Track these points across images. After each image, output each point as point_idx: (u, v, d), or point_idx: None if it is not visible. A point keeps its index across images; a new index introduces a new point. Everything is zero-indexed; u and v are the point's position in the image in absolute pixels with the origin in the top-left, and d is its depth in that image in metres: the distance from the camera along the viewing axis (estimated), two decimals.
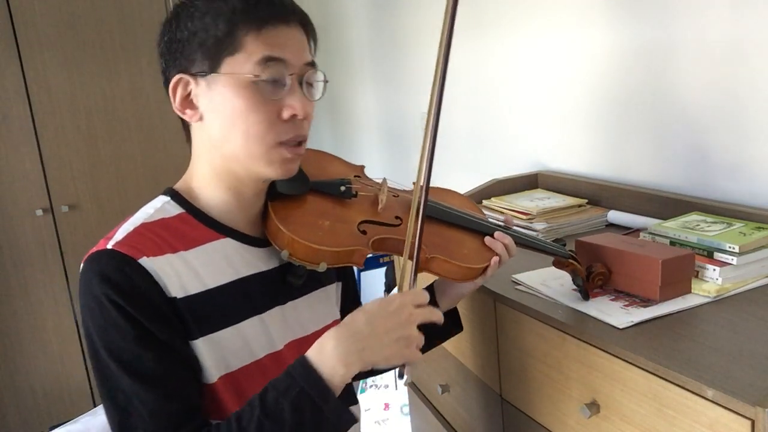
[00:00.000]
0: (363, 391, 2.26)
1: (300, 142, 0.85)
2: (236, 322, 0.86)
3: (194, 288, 0.83)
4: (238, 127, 0.81)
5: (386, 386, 2.24)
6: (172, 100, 0.85)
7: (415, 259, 0.88)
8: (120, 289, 0.77)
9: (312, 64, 0.86)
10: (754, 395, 0.67)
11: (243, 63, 0.80)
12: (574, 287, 1.01)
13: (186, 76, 0.83)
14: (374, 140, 2.88)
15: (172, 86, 0.84)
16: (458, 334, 1.13)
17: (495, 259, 0.97)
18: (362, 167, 1.09)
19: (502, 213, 1.46)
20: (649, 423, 0.79)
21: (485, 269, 0.98)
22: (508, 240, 0.99)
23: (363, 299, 1.18)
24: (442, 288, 1.06)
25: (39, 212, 2.97)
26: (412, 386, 1.60)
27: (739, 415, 0.67)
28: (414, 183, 0.91)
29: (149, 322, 0.77)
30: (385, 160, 2.80)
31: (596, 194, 1.48)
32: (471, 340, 1.22)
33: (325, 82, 0.89)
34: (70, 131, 3.03)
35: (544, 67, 1.69)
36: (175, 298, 0.81)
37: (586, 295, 0.98)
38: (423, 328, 0.82)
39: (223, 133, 0.83)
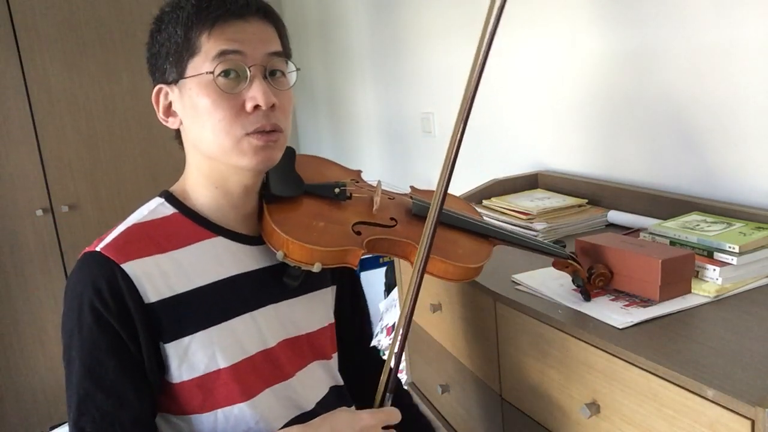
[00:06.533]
0: None
1: (273, 130, 0.85)
2: (226, 319, 0.88)
3: (182, 287, 0.85)
4: (207, 125, 0.84)
5: None
6: (156, 110, 0.90)
7: (422, 267, 0.88)
8: (101, 295, 0.80)
9: (279, 54, 0.87)
10: (754, 395, 0.67)
11: (202, 63, 0.83)
12: (575, 288, 1.01)
13: (164, 86, 0.88)
14: (374, 141, 2.88)
15: (154, 97, 0.89)
16: (458, 333, 1.13)
17: None
18: (359, 172, 1.10)
19: (502, 213, 1.46)
20: (649, 423, 0.79)
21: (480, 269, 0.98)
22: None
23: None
24: None
25: (39, 212, 2.98)
26: (412, 386, 1.60)
27: (739, 415, 0.67)
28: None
29: (122, 331, 0.81)
30: (384, 161, 2.80)
31: (596, 194, 1.48)
32: (471, 340, 1.22)
33: (297, 70, 0.91)
34: (70, 131, 3.04)
35: (545, 67, 1.69)
36: (153, 303, 0.83)
37: (587, 296, 0.98)
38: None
39: (197, 133, 0.87)
